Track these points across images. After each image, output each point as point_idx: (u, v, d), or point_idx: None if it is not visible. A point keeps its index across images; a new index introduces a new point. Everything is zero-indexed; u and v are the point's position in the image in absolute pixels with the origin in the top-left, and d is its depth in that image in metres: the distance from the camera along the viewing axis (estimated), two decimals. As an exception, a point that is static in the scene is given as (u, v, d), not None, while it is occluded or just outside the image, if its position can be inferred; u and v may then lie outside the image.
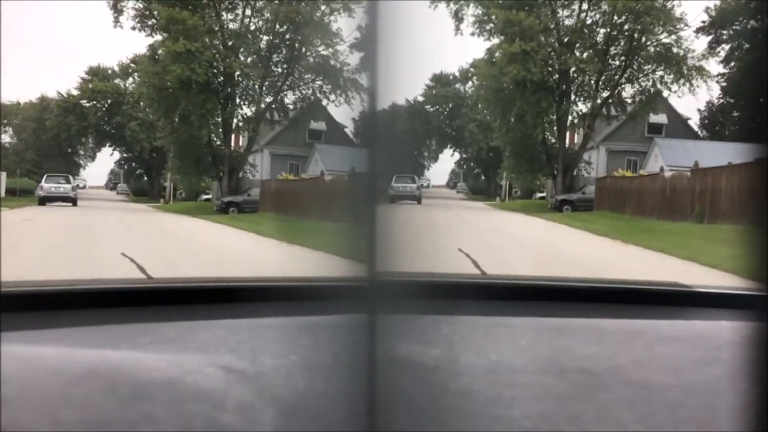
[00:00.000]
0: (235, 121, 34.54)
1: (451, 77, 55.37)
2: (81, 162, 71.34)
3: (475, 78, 49.76)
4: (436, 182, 67.95)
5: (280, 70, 33.96)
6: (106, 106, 55.22)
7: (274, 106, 34.27)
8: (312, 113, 36.28)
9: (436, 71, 54.74)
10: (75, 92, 54.66)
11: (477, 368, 0.63)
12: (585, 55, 32.14)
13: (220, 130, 33.88)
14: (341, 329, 0.63)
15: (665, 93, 32.92)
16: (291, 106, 35.44)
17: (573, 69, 32.08)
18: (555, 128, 33.85)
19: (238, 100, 34.07)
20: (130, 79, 54.89)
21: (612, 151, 39.94)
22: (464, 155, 61.52)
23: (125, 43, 78.00)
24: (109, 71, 55.35)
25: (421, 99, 53.01)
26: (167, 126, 33.80)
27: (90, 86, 53.69)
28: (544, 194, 46.06)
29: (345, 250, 0.44)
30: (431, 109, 55.04)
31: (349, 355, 0.56)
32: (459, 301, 1.02)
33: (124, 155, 62.11)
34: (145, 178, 60.13)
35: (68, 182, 33.71)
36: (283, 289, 1.07)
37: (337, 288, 0.60)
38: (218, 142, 34.72)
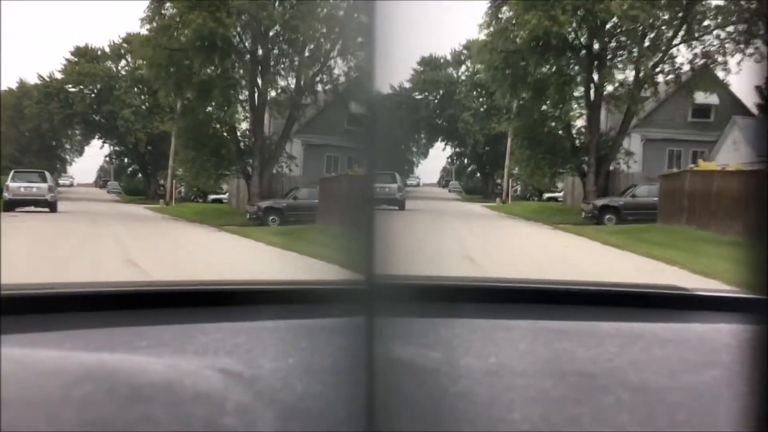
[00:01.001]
0: (272, 96, 24.43)
1: (441, 61, 49.10)
2: (67, 157, 61.36)
3: (469, 61, 44.95)
4: (426, 180, 63.06)
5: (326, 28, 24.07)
6: (95, 91, 48.23)
7: (320, 76, 24.41)
8: (355, 90, 26.36)
9: (426, 54, 48.24)
10: (58, 75, 47.61)
11: (476, 371, 0.65)
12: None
13: (247, 109, 23.96)
14: (339, 332, 0.63)
15: (736, 57, 23.79)
16: (341, 77, 25.51)
17: (615, 19, 23.41)
18: (583, 106, 25.92)
19: (273, 67, 23.99)
20: (123, 62, 49.28)
21: (649, 139, 32.08)
22: (457, 149, 55.17)
23: (117, 22, 67.60)
24: (99, 52, 48.69)
25: (407, 85, 46.70)
26: (179, 104, 23.72)
27: (76, 68, 46.91)
28: (555, 195, 40.26)
29: (343, 253, 0.45)
30: (419, 97, 48.35)
31: (348, 358, 0.57)
32: (458, 304, 1.02)
33: (116, 148, 54.76)
34: (140, 176, 54.01)
35: (44, 180, 24.53)
36: (280, 292, 1.08)
37: (336, 291, 0.62)
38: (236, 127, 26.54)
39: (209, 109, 25.28)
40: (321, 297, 0.88)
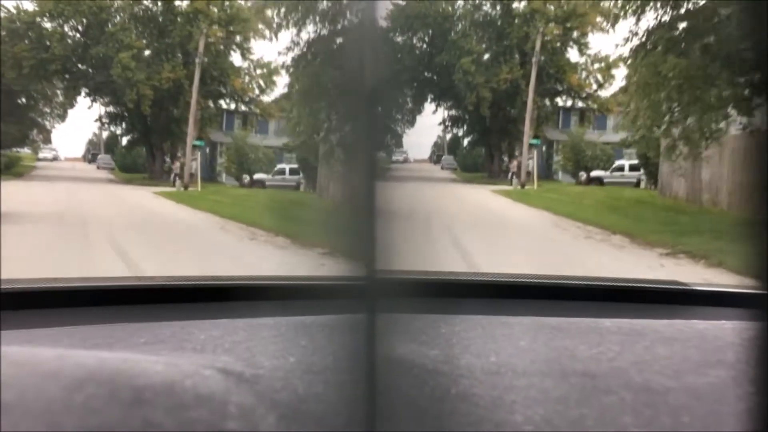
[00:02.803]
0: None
1: (432, -9, 39.41)
2: (46, 123, 46.80)
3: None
4: (418, 156, 53.22)
5: None
6: (80, 28, 36.83)
7: None
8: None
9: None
10: (29, 7, 36.14)
11: (477, 370, 0.68)
12: None
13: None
14: (339, 329, 0.65)
15: None
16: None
17: None
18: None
19: None
20: (119, -9, 38.62)
21: None
22: (452, 113, 42.58)
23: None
24: (85, -22, 38.69)
25: (382, 23, 29.47)
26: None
27: (56, -3, 36.51)
28: (600, 174, 30.80)
29: (343, 247, 0.46)
30: (400, 39, 37.31)
31: (348, 357, 0.59)
32: (458, 300, 1.07)
33: (109, 110, 42.21)
34: (138, 147, 41.82)
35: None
36: (279, 287, 1.11)
37: (335, 287, 0.62)
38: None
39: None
40: (321, 292, 0.93)
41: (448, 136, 49.55)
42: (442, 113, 42.99)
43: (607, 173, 31.10)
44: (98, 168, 46.20)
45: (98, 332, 0.79)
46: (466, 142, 45.16)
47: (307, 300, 0.87)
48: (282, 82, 38.03)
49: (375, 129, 0.40)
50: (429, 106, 40.51)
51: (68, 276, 1.67)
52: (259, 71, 37.99)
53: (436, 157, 53.44)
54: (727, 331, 0.83)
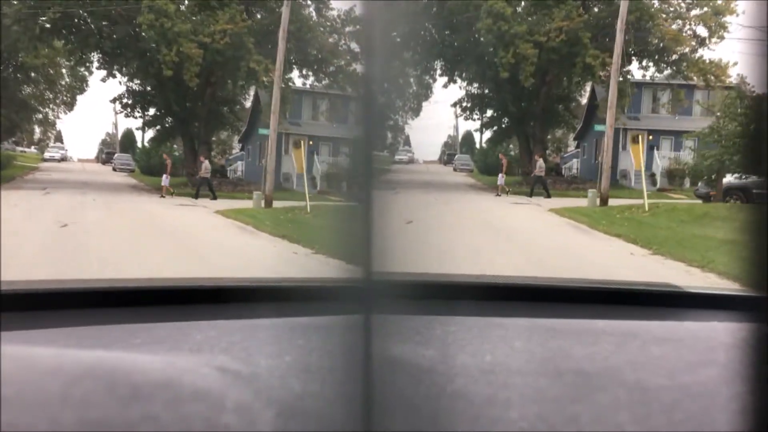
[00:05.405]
0: None
1: None
2: (49, 110, 35.74)
3: None
4: (427, 156, 48.25)
5: None
6: None
7: None
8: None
9: None
10: None
11: (473, 369, 0.72)
12: None
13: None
14: (335, 330, 0.66)
15: None
16: None
17: None
18: None
19: None
20: None
21: None
22: (471, 88, 31.05)
23: None
24: None
25: None
26: None
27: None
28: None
29: (339, 249, 0.47)
30: None
31: (345, 356, 0.60)
32: (453, 302, 1.11)
33: (133, 85, 30.45)
34: (169, 140, 32.10)
35: None
36: (276, 289, 1.15)
37: (331, 288, 0.65)
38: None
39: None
40: (316, 294, 0.97)
41: (462, 129, 37.66)
42: (458, 91, 31.73)
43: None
44: (115, 170, 39.64)
45: (95, 333, 0.82)
46: (487, 134, 35.06)
47: (304, 302, 0.90)
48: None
49: (370, 120, 0.38)
50: (439, 82, 27.71)
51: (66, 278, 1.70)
52: (349, 28, 25.25)
53: (446, 157, 47.45)
54: (719, 332, 0.86)
